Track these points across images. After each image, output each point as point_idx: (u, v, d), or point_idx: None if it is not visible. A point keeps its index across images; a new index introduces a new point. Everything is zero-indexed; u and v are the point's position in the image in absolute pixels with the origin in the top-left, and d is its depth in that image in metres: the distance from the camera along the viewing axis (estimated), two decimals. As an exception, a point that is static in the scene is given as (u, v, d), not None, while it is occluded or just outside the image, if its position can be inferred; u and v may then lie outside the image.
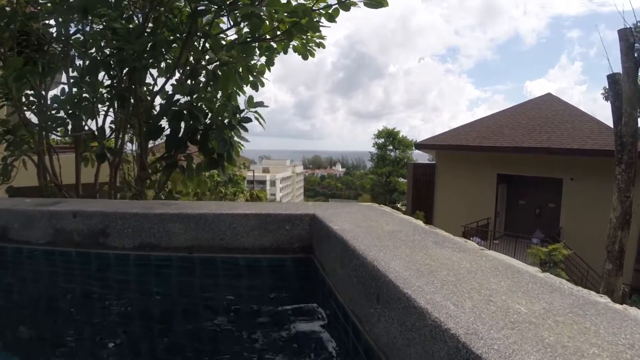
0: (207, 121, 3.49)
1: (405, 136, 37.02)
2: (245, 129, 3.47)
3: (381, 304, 1.08)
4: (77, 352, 2.05)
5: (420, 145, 20.81)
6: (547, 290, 1.07)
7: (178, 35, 3.77)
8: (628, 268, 10.99)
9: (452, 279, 1.03)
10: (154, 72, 3.97)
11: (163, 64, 4.04)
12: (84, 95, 3.55)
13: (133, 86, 3.74)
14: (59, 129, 3.78)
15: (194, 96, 3.49)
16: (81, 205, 2.25)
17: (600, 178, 14.87)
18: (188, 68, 3.80)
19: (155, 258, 2.01)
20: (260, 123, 3.47)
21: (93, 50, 3.75)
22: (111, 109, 3.86)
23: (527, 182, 17.59)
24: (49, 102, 3.81)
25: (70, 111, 3.55)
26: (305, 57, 3.97)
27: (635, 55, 5.73)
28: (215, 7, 3.32)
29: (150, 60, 3.71)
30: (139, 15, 3.78)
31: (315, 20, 3.60)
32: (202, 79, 3.89)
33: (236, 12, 3.37)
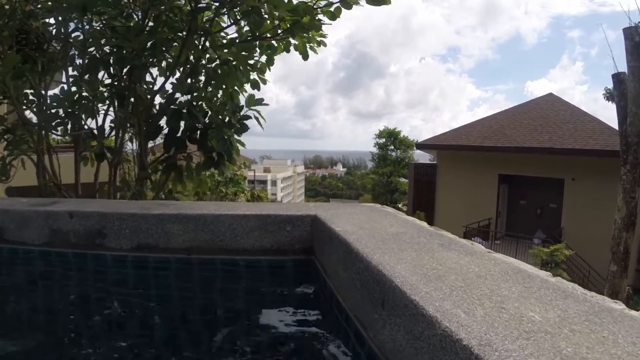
0: (207, 120, 3.45)
1: (406, 136, 36.94)
2: (245, 128, 3.42)
3: (386, 310, 1.03)
4: (73, 354, 2.01)
5: (422, 145, 20.75)
6: (560, 297, 1.02)
7: (179, 34, 3.72)
8: (630, 269, 10.94)
9: (461, 285, 0.99)
10: (154, 71, 3.93)
11: (164, 63, 4.00)
12: (83, 94, 3.51)
13: (133, 85, 3.70)
14: (58, 128, 3.74)
15: (194, 95, 3.45)
16: (78, 206, 2.21)
17: (602, 178, 14.81)
18: (188, 67, 3.76)
19: (153, 259, 1.96)
20: (259, 123, 3.42)
21: (93, 49, 3.70)
22: (111, 108, 3.82)
23: (529, 182, 17.53)
24: (48, 101, 3.77)
25: (69, 110, 3.50)
26: (305, 57, 3.92)
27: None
28: (217, 4, 3.28)
29: (150, 59, 3.66)
30: (139, 14, 3.74)
31: (317, 18, 3.56)
32: (203, 77, 3.85)
33: (236, 9, 3.33)
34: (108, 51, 3.72)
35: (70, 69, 3.84)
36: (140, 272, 2.00)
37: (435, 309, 0.84)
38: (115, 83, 3.76)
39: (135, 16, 3.75)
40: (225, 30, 3.86)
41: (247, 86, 3.95)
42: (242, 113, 3.36)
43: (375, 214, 1.89)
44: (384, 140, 36.59)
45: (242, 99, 3.61)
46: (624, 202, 5.03)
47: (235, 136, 3.47)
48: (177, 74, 3.89)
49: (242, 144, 3.60)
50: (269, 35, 3.73)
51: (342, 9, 3.51)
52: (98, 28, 3.78)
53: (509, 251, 14.27)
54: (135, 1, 3.72)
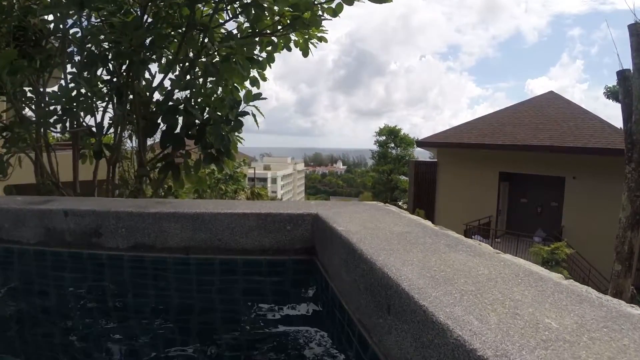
0: (205, 116, 3.40)
1: (406, 134, 36.87)
2: (240, 124, 3.37)
3: (392, 315, 0.98)
4: (69, 355, 1.96)
5: (422, 143, 20.68)
6: (576, 301, 0.97)
7: (178, 30, 3.67)
8: (633, 268, 10.90)
9: (472, 289, 0.94)
10: (154, 68, 3.89)
11: (163, 60, 3.95)
12: (81, 90, 3.46)
13: (131, 81, 3.65)
14: (57, 125, 3.68)
15: (192, 91, 3.40)
16: (73, 204, 2.15)
17: (603, 177, 14.76)
18: (187, 64, 3.71)
19: (150, 259, 1.91)
20: (255, 120, 3.37)
21: (91, 45, 3.65)
22: (110, 105, 3.77)
23: (529, 180, 17.47)
24: (46, 98, 3.72)
25: (66, 106, 3.45)
26: (306, 54, 3.88)
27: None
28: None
29: (149, 54, 3.61)
30: (138, 10, 3.68)
31: (317, 14, 3.51)
32: (202, 74, 3.80)
33: (236, 3, 3.28)
34: (106, 47, 3.67)
35: (68, 65, 3.79)
36: (137, 272, 1.95)
37: (446, 316, 0.78)
38: (114, 80, 3.71)
39: (133, 12, 3.70)
40: (225, 27, 3.81)
41: (247, 83, 3.90)
42: (240, 109, 3.30)
43: (379, 212, 1.84)
44: (384, 137, 36.52)
45: (241, 96, 3.56)
46: (629, 201, 4.97)
47: (235, 133, 3.42)
48: (177, 71, 3.85)
49: (241, 140, 3.55)
50: (269, 31, 3.68)
51: (344, 5, 3.46)
52: (96, 24, 3.73)
53: (509, 249, 14.23)
54: (134, -4, 3.67)
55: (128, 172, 4.88)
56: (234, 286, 1.87)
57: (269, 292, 1.86)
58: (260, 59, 3.86)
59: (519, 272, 1.11)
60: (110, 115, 3.85)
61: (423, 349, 0.83)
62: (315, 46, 3.80)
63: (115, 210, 1.95)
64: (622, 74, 5.61)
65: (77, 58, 3.80)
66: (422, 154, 30.98)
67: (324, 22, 3.58)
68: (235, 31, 3.75)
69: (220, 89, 3.87)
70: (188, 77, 3.64)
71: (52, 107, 3.54)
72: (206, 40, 3.65)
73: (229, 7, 3.70)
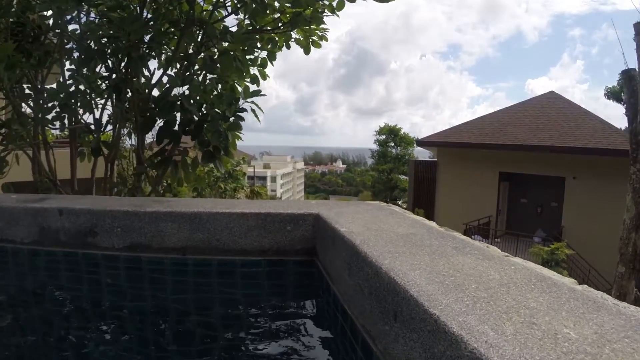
0: (202, 112, 3.35)
1: (406, 133, 36.79)
2: (240, 121, 3.32)
3: (399, 323, 0.93)
4: (64, 356, 1.91)
5: (423, 143, 20.62)
6: (593, 308, 0.92)
7: (177, 26, 3.62)
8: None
9: (484, 295, 0.88)
10: (153, 64, 3.84)
11: (163, 57, 3.90)
12: (80, 87, 3.41)
13: (130, 77, 3.60)
14: (55, 122, 3.63)
15: (188, 87, 3.34)
16: (68, 202, 2.10)
17: (604, 177, 14.73)
18: (186, 62, 3.66)
19: (146, 259, 1.86)
20: (256, 115, 3.32)
21: (90, 42, 3.60)
22: (108, 102, 3.72)
23: (529, 180, 17.43)
24: (44, 94, 3.67)
25: (64, 102, 3.40)
26: (307, 51, 3.82)
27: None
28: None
29: (147, 50, 3.56)
30: (137, 7, 3.63)
31: (319, 11, 3.45)
32: (201, 70, 3.75)
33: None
34: (105, 42, 3.62)
35: (67, 62, 3.75)
36: (133, 272, 1.90)
37: (459, 326, 0.73)
38: (113, 76, 3.66)
39: (132, 8, 3.65)
40: (225, 23, 3.75)
41: (247, 81, 3.85)
42: (238, 105, 3.25)
43: (381, 213, 1.79)
44: (384, 137, 36.45)
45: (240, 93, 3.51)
46: (633, 202, 4.91)
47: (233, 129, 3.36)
48: (177, 68, 3.80)
49: (239, 137, 3.50)
50: (269, 28, 3.63)
51: (346, 2, 3.41)
52: (95, 20, 3.68)
53: (509, 250, 14.18)
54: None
55: (127, 170, 4.83)
56: (232, 288, 1.82)
57: (268, 294, 1.80)
58: (261, 57, 3.82)
59: (531, 277, 1.05)
60: (109, 113, 3.81)
61: (434, 360, 0.78)
62: (318, 46, 3.74)
63: (111, 209, 1.89)
64: (627, 74, 5.55)
65: (75, 54, 3.76)
66: (421, 153, 30.94)
67: (325, 20, 3.53)
68: (235, 28, 3.70)
69: (219, 86, 3.82)
70: (187, 74, 3.59)
71: (50, 104, 3.50)
72: (206, 36, 3.60)
73: (228, 3, 3.65)
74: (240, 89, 3.74)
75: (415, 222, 1.58)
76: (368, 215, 1.71)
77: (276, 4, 3.56)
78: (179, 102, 3.19)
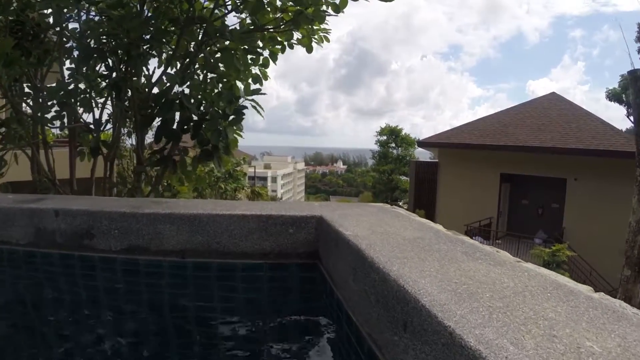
0: (201, 110, 3.30)
1: (408, 134, 36.68)
2: (241, 119, 3.27)
3: (409, 333, 0.88)
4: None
5: (424, 143, 20.56)
6: (613, 319, 0.87)
7: (177, 25, 3.58)
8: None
9: (500, 305, 0.83)
10: (153, 64, 3.80)
11: (164, 55, 3.86)
12: (80, 85, 3.37)
13: (129, 76, 3.56)
14: (54, 122, 3.59)
15: (187, 84, 3.30)
16: (65, 203, 2.05)
17: (605, 179, 14.67)
18: (187, 60, 3.62)
19: (144, 262, 1.81)
20: (258, 112, 3.27)
21: (90, 40, 3.56)
22: (108, 101, 3.68)
23: (531, 181, 17.36)
24: (44, 93, 3.63)
25: (63, 100, 3.35)
26: (310, 50, 3.78)
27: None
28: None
29: (146, 48, 3.52)
30: (137, 5, 3.59)
31: (321, 9, 3.41)
32: (201, 68, 3.71)
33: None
34: (104, 40, 3.58)
35: (67, 61, 3.71)
36: (130, 275, 1.85)
37: (476, 340, 0.68)
38: (114, 74, 3.62)
39: (132, 6, 3.60)
40: (226, 22, 3.71)
41: (249, 81, 3.80)
42: (239, 103, 3.20)
43: (386, 215, 1.74)
44: (385, 137, 36.36)
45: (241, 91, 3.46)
46: (639, 204, 4.85)
47: (233, 128, 3.31)
48: (177, 66, 3.76)
49: (240, 135, 3.45)
50: (271, 27, 3.58)
51: (348, 0, 3.36)
52: (94, 18, 3.65)
53: (510, 251, 14.04)
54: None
55: (127, 170, 4.79)
56: (232, 292, 1.77)
57: (269, 299, 1.75)
58: (262, 56, 3.77)
59: (546, 285, 1.01)
60: (109, 112, 3.77)
61: (448, 376, 0.73)
62: (321, 45, 3.70)
63: (108, 211, 1.84)
64: (633, 74, 5.49)
65: (75, 53, 3.72)
66: (422, 154, 30.88)
67: (327, 20, 3.49)
68: (237, 27, 3.65)
69: (220, 85, 3.78)
70: (187, 72, 3.55)
71: (49, 103, 3.46)
72: (205, 35, 3.56)
73: (229, 2, 3.61)
74: (241, 87, 3.70)
75: (421, 225, 1.53)
76: (373, 218, 1.65)
77: (278, 3, 3.52)
78: (178, 101, 3.14)
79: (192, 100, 3.30)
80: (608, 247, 13.93)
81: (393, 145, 36.05)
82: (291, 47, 3.79)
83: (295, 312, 1.70)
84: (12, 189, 4.25)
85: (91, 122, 3.68)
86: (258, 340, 1.67)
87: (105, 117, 3.74)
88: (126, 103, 3.65)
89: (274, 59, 3.88)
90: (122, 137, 4.10)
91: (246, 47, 3.50)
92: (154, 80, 3.69)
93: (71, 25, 3.71)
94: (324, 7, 3.40)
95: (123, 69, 3.60)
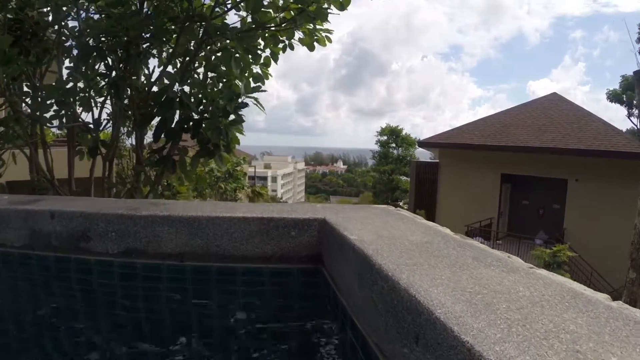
0: (201, 108, 3.25)
1: (408, 134, 36.63)
2: (241, 119, 3.22)
3: (422, 347, 0.83)
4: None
5: (424, 144, 20.50)
6: (636, 330, 0.82)
7: (177, 23, 3.53)
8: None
9: (518, 317, 0.78)
10: (153, 63, 3.76)
11: (164, 55, 3.81)
12: (79, 84, 3.33)
13: (128, 75, 3.51)
14: (53, 121, 3.54)
15: (188, 82, 3.25)
16: (60, 205, 2.00)
17: (606, 179, 14.62)
18: (187, 58, 3.57)
19: (141, 266, 1.76)
20: (260, 107, 3.23)
21: (89, 38, 3.51)
22: (107, 100, 3.64)
23: (531, 182, 17.31)
24: (42, 92, 3.59)
25: (62, 99, 3.31)
26: (312, 48, 3.72)
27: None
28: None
29: (146, 46, 3.47)
30: (136, 3, 3.54)
31: (323, 7, 3.36)
32: (203, 68, 3.66)
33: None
34: (103, 39, 3.53)
35: (66, 61, 3.67)
36: (127, 279, 1.80)
37: (497, 357, 0.63)
38: (109, 72, 3.57)
39: (132, 4, 3.56)
40: (227, 21, 3.66)
41: (249, 79, 3.75)
42: (239, 101, 3.15)
43: (391, 218, 1.69)
44: (385, 137, 36.31)
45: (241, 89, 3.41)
46: (645, 206, 4.79)
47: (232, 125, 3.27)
48: (178, 65, 3.71)
49: (241, 132, 3.40)
50: (272, 26, 3.53)
51: (350, -1, 3.32)
52: (95, 17, 3.60)
53: (510, 252, 13.95)
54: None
55: (126, 170, 4.73)
56: (232, 296, 1.72)
57: (270, 304, 1.70)
58: (264, 56, 3.73)
59: (563, 294, 0.95)
60: (108, 111, 3.72)
61: (467, 396, 0.68)
62: (323, 43, 3.64)
63: (105, 213, 1.79)
64: (638, 74, 5.42)
65: (74, 52, 3.67)
66: (422, 155, 30.82)
67: (329, 20, 3.44)
68: (238, 25, 3.61)
69: (220, 84, 3.73)
70: (187, 70, 3.50)
71: (48, 102, 3.41)
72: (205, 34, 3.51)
73: (229, 0, 3.56)
74: (241, 85, 3.65)
75: (428, 229, 1.48)
76: (377, 221, 1.60)
77: (280, 2, 3.47)
78: (178, 99, 3.09)
79: (192, 99, 3.25)
80: (609, 248, 13.89)
81: (393, 145, 35.99)
82: (292, 47, 3.74)
83: (298, 318, 1.65)
84: (10, 189, 4.21)
85: (90, 121, 3.63)
86: (259, 347, 1.62)
87: (104, 116, 3.70)
88: (125, 102, 3.60)
89: (275, 59, 3.83)
90: (122, 137, 4.05)
91: (246, 46, 3.45)
92: (153, 79, 3.64)
93: (70, 24, 3.67)
94: (326, 5, 3.36)
95: (122, 68, 3.55)
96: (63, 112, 3.47)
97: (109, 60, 3.58)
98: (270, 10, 3.50)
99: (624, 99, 27.42)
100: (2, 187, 4.60)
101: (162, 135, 3.32)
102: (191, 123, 3.23)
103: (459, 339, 0.69)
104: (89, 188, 3.90)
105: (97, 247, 1.81)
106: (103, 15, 3.56)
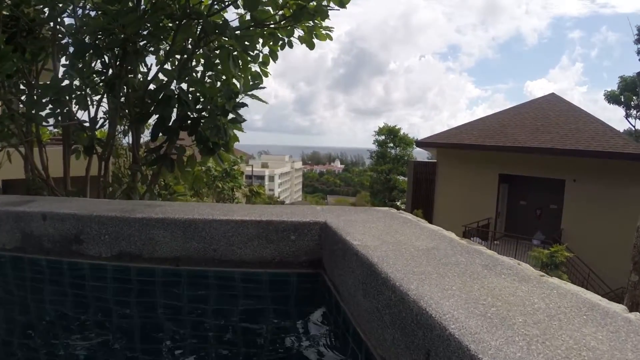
0: (199, 107, 3.20)
1: (406, 134, 36.61)
2: (241, 118, 3.16)
3: (433, 364, 0.78)
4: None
5: (422, 143, 20.48)
6: (660, 347, 0.77)
7: (176, 22, 3.47)
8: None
9: (536, 332, 0.73)
10: (150, 61, 3.70)
11: (161, 52, 3.75)
12: (75, 82, 3.26)
13: (125, 73, 3.45)
14: (48, 119, 3.48)
15: (186, 80, 3.19)
16: (53, 206, 1.94)
17: (604, 180, 14.63)
18: (185, 56, 3.51)
19: (136, 270, 1.70)
20: (262, 100, 3.18)
21: (85, 36, 3.45)
22: (104, 99, 3.58)
23: (529, 182, 17.31)
24: (38, 90, 3.53)
25: (56, 97, 3.24)
26: (311, 46, 3.67)
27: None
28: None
29: (143, 44, 3.41)
30: (133, 0, 3.48)
31: (323, 4, 3.31)
32: (201, 66, 3.61)
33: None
34: (100, 36, 3.47)
35: (62, 58, 3.60)
36: (121, 283, 1.74)
37: (520, 381, 0.58)
38: (106, 70, 3.51)
39: (129, 1, 3.49)
40: (224, 18, 3.60)
41: (248, 78, 3.70)
42: (238, 100, 3.09)
43: (394, 221, 1.63)
44: (383, 137, 36.28)
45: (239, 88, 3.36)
46: (647, 208, 4.75)
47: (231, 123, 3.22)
48: (175, 63, 3.66)
49: (241, 129, 3.34)
50: (271, 23, 3.48)
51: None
52: (91, 14, 3.54)
53: (508, 252, 14.05)
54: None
55: (123, 169, 4.67)
56: (229, 302, 1.67)
57: (269, 310, 1.65)
58: (262, 55, 3.67)
59: (579, 305, 0.91)
60: (104, 109, 3.67)
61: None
62: (323, 38, 3.59)
63: (98, 215, 1.73)
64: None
65: (71, 49, 3.61)
66: (420, 154, 30.79)
67: (329, 18, 3.39)
68: (236, 23, 3.55)
69: (219, 83, 3.68)
70: (186, 68, 3.44)
71: (43, 100, 3.34)
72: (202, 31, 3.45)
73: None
74: (239, 85, 3.60)
75: (434, 234, 1.43)
76: (381, 225, 1.55)
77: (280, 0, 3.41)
78: (176, 96, 3.03)
79: (190, 97, 3.19)
80: (606, 248, 13.91)
81: (391, 145, 35.96)
82: (290, 45, 3.68)
83: (297, 324, 1.60)
84: (5, 188, 4.14)
85: (86, 120, 3.58)
86: (257, 354, 1.56)
87: (100, 114, 3.64)
88: (122, 100, 3.54)
89: (274, 57, 3.78)
90: (118, 135, 3.99)
91: (245, 44, 3.40)
92: (150, 77, 3.58)
93: (66, 21, 3.61)
94: (325, 2, 3.30)
95: (119, 66, 3.49)
96: (58, 110, 3.41)
97: (106, 57, 3.52)
98: (269, 8, 3.44)
99: (622, 100, 27.49)
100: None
101: (160, 134, 3.26)
102: (189, 121, 3.17)
103: (476, 358, 0.64)
104: (85, 187, 3.83)
105: (90, 250, 1.75)
106: (99, 13, 3.50)
